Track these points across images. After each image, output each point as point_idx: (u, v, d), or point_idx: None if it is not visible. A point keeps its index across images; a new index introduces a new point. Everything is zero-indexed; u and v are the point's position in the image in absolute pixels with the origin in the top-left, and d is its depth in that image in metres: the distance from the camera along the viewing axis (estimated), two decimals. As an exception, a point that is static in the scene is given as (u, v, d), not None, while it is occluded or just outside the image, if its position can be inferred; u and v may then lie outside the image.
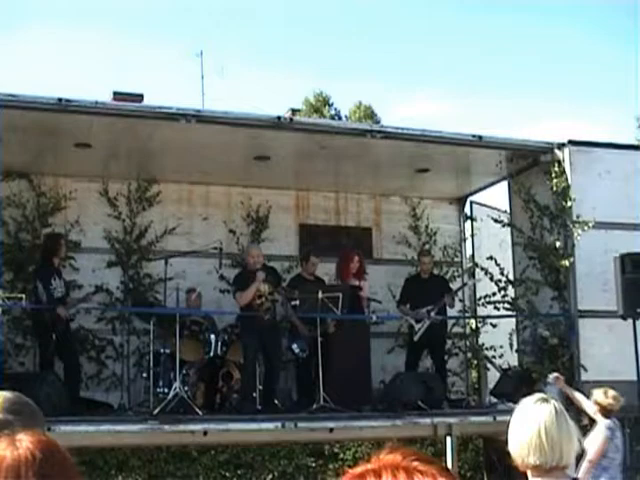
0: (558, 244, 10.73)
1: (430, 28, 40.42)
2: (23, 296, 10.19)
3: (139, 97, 11.14)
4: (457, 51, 42.16)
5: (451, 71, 42.39)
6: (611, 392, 8.04)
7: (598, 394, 8.00)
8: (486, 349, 12.10)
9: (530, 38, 40.33)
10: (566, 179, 10.73)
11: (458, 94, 42.27)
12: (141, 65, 39.85)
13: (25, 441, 1.91)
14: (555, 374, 7.69)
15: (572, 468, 3.49)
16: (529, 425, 3.19)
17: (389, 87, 40.32)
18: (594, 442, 7.66)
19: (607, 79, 40.26)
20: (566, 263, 10.62)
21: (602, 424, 7.84)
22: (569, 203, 10.67)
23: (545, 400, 3.30)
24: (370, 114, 25.92)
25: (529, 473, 3.21)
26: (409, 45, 41.43)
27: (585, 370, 10.29)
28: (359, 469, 1.59)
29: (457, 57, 42.94)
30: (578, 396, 8.51)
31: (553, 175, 10.78)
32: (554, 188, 10.79)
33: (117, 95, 10.72)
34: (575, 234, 10.58)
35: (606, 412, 7.88)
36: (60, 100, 9.28)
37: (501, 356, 11.71)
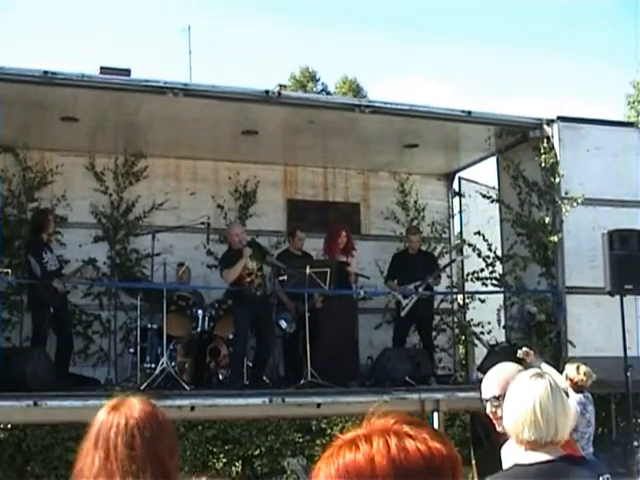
0: (547, 220, 10.73)
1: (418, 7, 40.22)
2: (9, 271, 10.14)
3: (126, 72, 11.01)
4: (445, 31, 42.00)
5: (440, 48, 42.25)
6: (583, 367, 8.10)
7: (570, 369, 8.06)
8: (474, 325, 12.13)
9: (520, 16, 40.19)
10: (555, 155, 10.72)
11: (447, 72, 42.15)
12: (128, 41, 39.55)
13: (135, 408, 2.37)
14: (525, 349, 7.69)
15: None
16: (524, 400, 3.17)
17: (376, 63, 40.12)
18: None
19: (597, 57, 40.19)
20: (554, 239, 10.62)
21: (573, 399, 7.87)
22: (557, 179, 10.67)
23: (540, 375, 3.28)
24: (355, 88, 25.80)
25: (522, 448, 3.20)
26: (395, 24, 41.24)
27: (573, 346, 10.32)
28: (350, 434, 1.61)
29: (446, 34, 42.81)
30: (550, 371, 8.52)
31: (542, 151, 10.77)
32: (543, 164, 10.78)
33: (104, 70, 10.60)
34: (563, 210, 10.59)
35: (577, 387, 7.95)
36: (46, 73, 9.19)
37: (489, 332, 11.73)
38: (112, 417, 2.36)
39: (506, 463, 3.46)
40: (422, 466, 1.54)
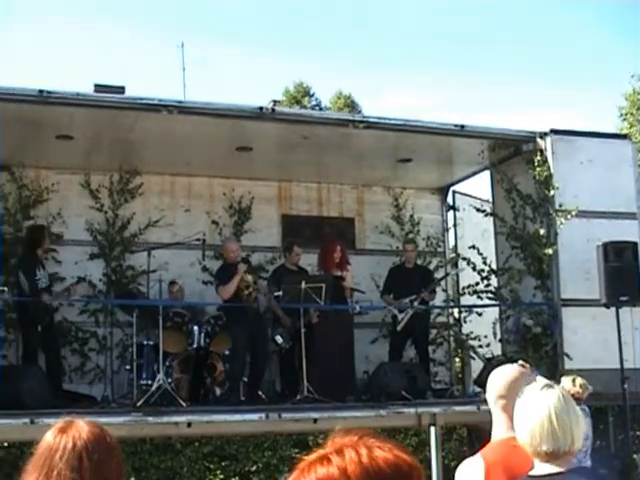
0: (542, 232, 10.75)
1: (413, 16, 40.37)
2: (5, 289, 10.15)
3: (120, 89, 11.03)
4: (440, 40, 42.19)
5: (433, 60, 42.39)
6: (579, 380, 8.09)
7: (566, 382, 8.05)
8: (470, 339, 12.13)
9: (515, 26, 40.37)
10: (548, 168, 10.76)
11: (441, 84, 42.27)
12: (122, 57, 39.61)
13: (84, 430, 2.39)
14: (520, 362, 7.70)
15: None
16: (539, 412, 3.13)
17: (370, 78, 40.21)
18: None
19: (589, 69, 40.27)
20: (549, 252, 10.65)
21: None
22: (552, 192, 10.70)
23: (550, 386, 3.26)
24: (350, 103, 25.85)
25: (537, 460, 3.16)
26: (388, 34, 41.39)
27: (570, 359, 10.32)
28: (317, 454, 1.68)
29: (439, 46, 42.98)
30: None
31: (535, 164, 10.80)
32: (536, 177, 10.82)
33: (98, 87, 10.63)
34: (558, 223, 10.61)
35: (574, 400, 7.92)
36: (41, 92, 9.23)
37: (488, 345, 11.73)
38: (59, 439, 2.36)
39: None
40: (392, 473, 1.63)
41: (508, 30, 40.39)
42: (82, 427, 2.41)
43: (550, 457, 3.12)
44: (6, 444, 12.50)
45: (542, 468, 3.15)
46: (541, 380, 3.41)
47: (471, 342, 12.09)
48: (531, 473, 3.18)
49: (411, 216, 13.15)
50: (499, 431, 3.72)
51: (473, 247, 11.61)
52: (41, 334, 10.19)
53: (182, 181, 12.30)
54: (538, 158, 10.80)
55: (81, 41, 41.07)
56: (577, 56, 41.23)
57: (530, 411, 3.17)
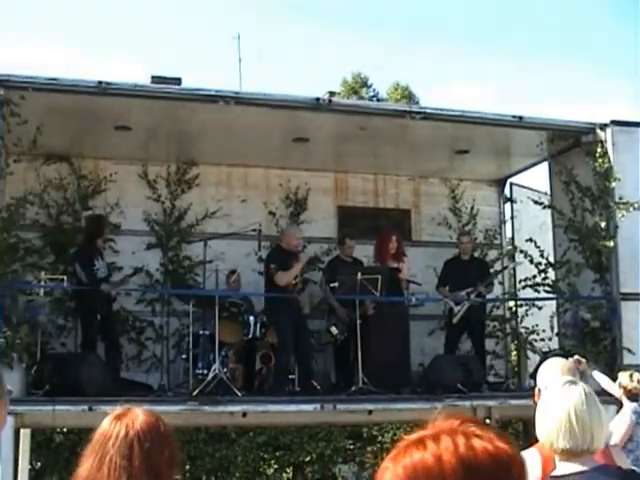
0: (602, 224, 10.59)
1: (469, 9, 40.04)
2: (64, 277, 10.29)
3: (177, 81, 11.12)
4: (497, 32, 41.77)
5: (491, 51, 42.01)
6: (636, 375, 7.98)
7: (623, 377, 7.94)
8: (527, 332, 12.01)
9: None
10: (609, 160, 10.60)
11: (498, 75, 41.89)
12: (178, 50, 39.91)
13: (138, 418, 2.41)
14: (576, 357, 7.59)
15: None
16: (559, 408, 3.10)
17: (427, 68, 40.02)
18: (619, 426, 7.58)
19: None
20: (609, 245, 10.49)
21: (628, 408, 7.77)
22: (612, 184, 10.54)
23: (574, 383, 3.23)
24: (408, 95, 25.73)
25: (557, 458, 3.13)
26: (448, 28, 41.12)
27: (632, 353, 10.15)
28: (416, 435, 1.59)
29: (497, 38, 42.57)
30: (604, 379, 8.42)
31: (595, 156, 10.64)
32: (596, 169, 10.66)
33: (155, 79, 10.72)
34: (618, 215, 10.45)
35: (631, 395, 7.82)
36: (100, 83, 9.34)
37: (543, 339, 11.58)
38: (113, 427, 2.40)
39: None
40: (490, 465, 1.54)
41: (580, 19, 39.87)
42: (137, 415, 2.43)
43: (568, 455, 3.09)
44: (65, 430, 12.71)
45: (564, 467, 3.12)
46: (565, 377, 3.38)
47: (527, 336, 11.96)
48: (554, 473, 3.14)
49: (472, 208, 13.05)
50: None
51: (530, 240, 11.48)
52: (100, 323, 10.32)
53: (238, 172, 12.35)
54: (598, 150, 10.65)
55: (138, 33, 41.46)
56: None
57: (550, 407, 3.15)
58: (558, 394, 3.17)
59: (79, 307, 10.62)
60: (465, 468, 1.52)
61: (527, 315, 12.20)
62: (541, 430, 3.16)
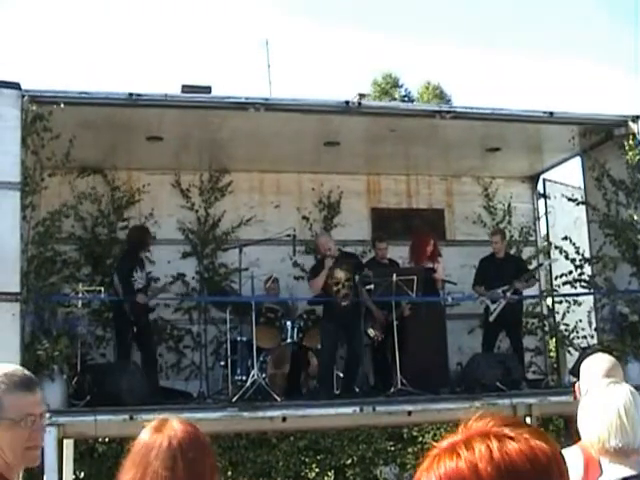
0: (636, 217, 10.51)
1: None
2: (102, 289, 10.39)
3: (207, 89, 11.21)
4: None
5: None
6: None
7: None
8: (565, 328, 11.94)
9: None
10: (641, 151, 10.51)
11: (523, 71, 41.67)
12: (207, 58, 40.12)
13: (178, 429, 2.41)
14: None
15: None
16: (608, 407, 3.08)
17: (457, 67, 39.88)
18: None
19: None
20: (645, 238, 10.40)
21: None
22: (645, 176, 10.45)
23: (618, 382, 3.21)
24: (439, 94, 25.65)
25: (606, 460, 3.09)
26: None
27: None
28: (447, 442, 1.54)
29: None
30: None
31: (627, 148, 10.57)
32: (629, 162, 10.58)
33: (186, 88, 10.81)
34: (653, 207, 10.36)
35: None
36: (131, 95, 9.41)
37: (590, 336, 11.49)
38: (155, 438, 2.40)
39: None
40: (528, 468, 1.48)
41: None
42: (176, 426, 2.43)
43: (619, 454, 3.06)
44: (107, 439, 12.81)
45: (612, 471, 3.08)
46: (609, 378, 3.35)
47: (566, 331, 11.90)
48: (602, 479, 3.10)
49: (509, 205, 13.01)
50: None
51: (565, 238, 11.42)
52: (136, 333, 10.40)
53: (271, 178, 12.40)
54: (630, 142, 10.57)
55: (168, 43, 41.69)
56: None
57: (598, 408, 3.12)
58: (604, 394, 3.15)
59: (115, 317, 10.72)
60: (502, 475, 1.46)
61: (568, 312, 12.12)
62: (589, 430, 3.13)
